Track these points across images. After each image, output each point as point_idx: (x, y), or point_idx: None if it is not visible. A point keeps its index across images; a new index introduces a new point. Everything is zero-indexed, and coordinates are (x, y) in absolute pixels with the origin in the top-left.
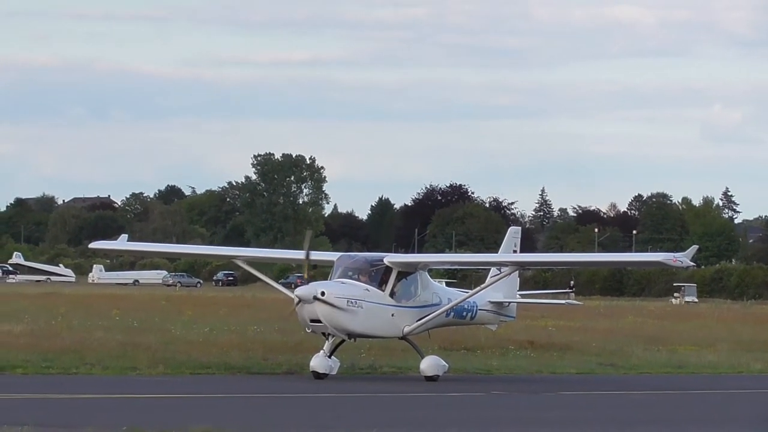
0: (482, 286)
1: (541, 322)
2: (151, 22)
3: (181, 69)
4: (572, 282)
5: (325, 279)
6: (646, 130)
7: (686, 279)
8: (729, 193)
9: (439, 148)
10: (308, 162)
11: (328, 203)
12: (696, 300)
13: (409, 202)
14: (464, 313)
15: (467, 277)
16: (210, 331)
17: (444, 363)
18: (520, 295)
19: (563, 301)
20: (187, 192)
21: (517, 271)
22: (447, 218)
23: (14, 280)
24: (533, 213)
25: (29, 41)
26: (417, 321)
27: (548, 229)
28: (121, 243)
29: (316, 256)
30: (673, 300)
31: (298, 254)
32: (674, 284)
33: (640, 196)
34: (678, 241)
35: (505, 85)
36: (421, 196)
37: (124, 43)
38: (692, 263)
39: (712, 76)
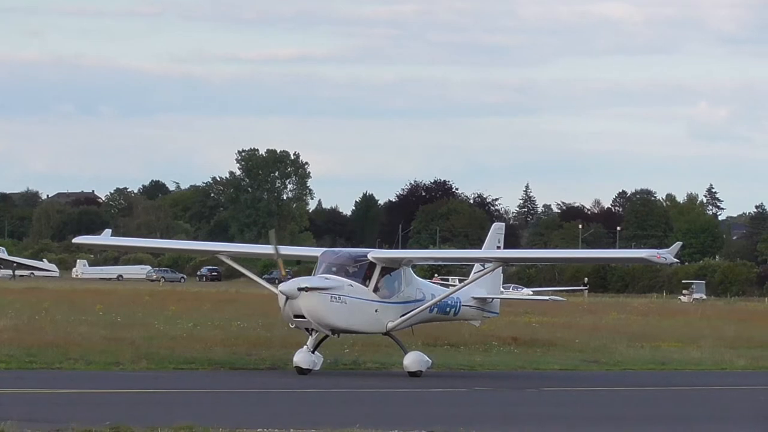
0: (466, 282)
1: (524, 318)
2: (139, 19)
3: (168, 65)
4: (586, 279)
5: (309, 274)
6: (631, 127)
7: (670, 275)
8: (713, 190)
9: (424, 144)
10: (293, 158)
11: (312, 199)
12: (705, 297)
13: (393, 198)
14: (448, 309)
15: (451, 273)
16: (194, 327)
17: (427, 359)
18: (533, 292)
19: (546, 297)
20: (172, 187)
21: (501, 267)
22: (431, 214)
23: None
24: (517, 209)
25: (16, 36)
26: (401, 317)
27: (532, 225)
28: (105, 238)
29: (299, 251)
30: (682, 298)
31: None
32: (683, 281)
33: (624, 192)
34: (662, 237)
35: (492, 82)
36: (405, 192)
37: (110, 38)
38: (676, 260)
39: (699, 73)
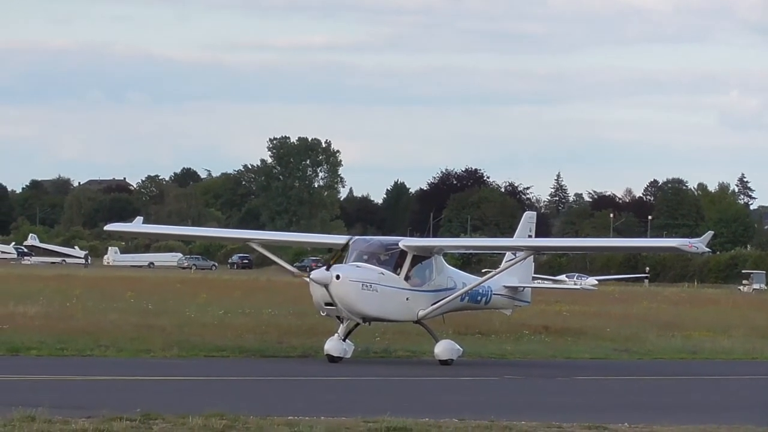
0: (497, 270)
1: (555, 306)
2: (168, 6)
3: (199, 52)
4: (647, 268)
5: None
6: (662, 116)
7: (701, 265)
8: (745, 179)
9: (456, 132)
10: (324, 145)
11: (343, 187)
12: (765, 287)
13: (424, 187)
14: (479, 298)
15: (481, 262)
16: (224, 314)
17: (458, 347)
18: (596, 280)
19: (578, 286)
20: (203, 175)
21: (532, 256)
22: (462, 203)
23: (29, 262)
24: (549, 198)
25: (47, 24)
26: (432, 305)
27: (563, 214)
28: (137, 225)
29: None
30: (742, 288)
31: (313, 237)
32: (743, 271)
33: (655, 181)
34: (693, 227)
35: (522, 70)
36: (436, 181)
37: (141, 26)
38: (707, 249)
39: (730, 62)
